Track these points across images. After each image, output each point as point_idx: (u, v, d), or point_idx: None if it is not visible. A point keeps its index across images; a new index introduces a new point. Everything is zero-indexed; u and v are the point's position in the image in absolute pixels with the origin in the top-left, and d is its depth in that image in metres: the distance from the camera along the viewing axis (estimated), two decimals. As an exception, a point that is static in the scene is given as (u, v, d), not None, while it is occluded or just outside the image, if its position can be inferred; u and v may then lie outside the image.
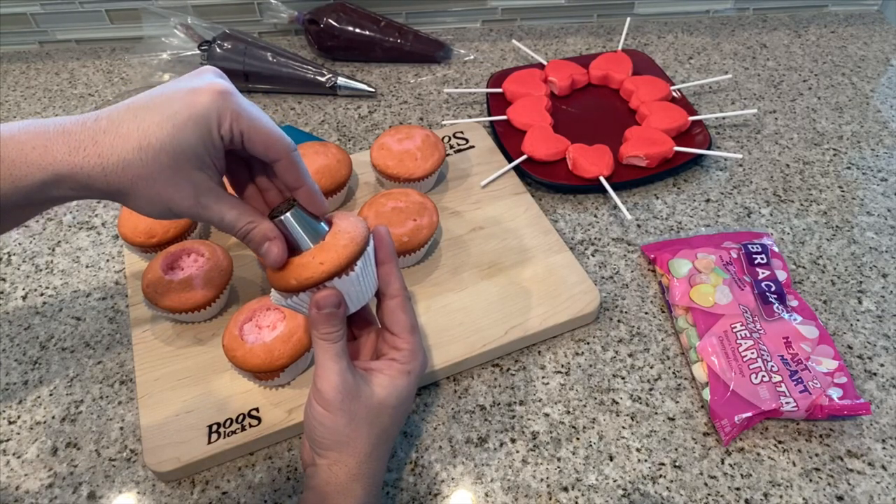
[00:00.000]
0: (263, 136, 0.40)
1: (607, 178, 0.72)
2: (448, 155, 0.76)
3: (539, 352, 0.60)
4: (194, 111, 0.38)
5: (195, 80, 0.40)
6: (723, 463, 0.52)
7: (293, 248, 0.43)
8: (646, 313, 0.63)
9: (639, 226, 0.71)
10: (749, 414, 0.52)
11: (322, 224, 0.44)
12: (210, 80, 0.39)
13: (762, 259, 0.62)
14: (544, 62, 0.87)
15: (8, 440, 0.54)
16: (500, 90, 0.83)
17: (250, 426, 0.52)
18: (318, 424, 0.42)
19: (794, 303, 0.60)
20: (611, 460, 0.53)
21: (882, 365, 0.59)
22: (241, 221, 0.42)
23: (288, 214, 0.42)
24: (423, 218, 0.61)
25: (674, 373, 0.58)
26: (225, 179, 0.44)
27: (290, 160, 0.42)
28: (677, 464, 0.52)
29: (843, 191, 0.75)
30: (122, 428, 0.55)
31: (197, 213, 0.41)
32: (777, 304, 0.59)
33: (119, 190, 0.38)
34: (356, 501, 0.42)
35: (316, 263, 0.41)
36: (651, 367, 0.59)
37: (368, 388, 0.43)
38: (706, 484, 0.51)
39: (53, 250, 0.69)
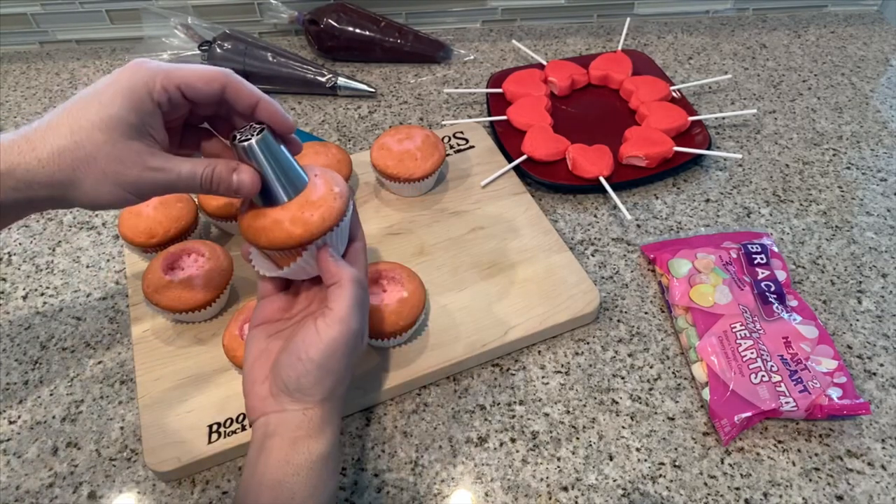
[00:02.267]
0: (199, 74, 0.41)
1: (607, 178, 0.72)
2: (448, 155, 0.76)
3: (539, 352, 0.60)
4: (119, 86, 0.39)
5: (118, 68, 0.40)
6: (722, 463, 0.52)
7: (269, 190, 0.42)
8: (645, 313, 0.63)
9: (639, 226, 0.71)
10: (749, 414, 0.52)
11: (299, 168, 0.43)
12: (132, 61, 0.40)
13: (762, 259, 0.62)
14: (544, 62, 0.87)
15: (8, 440, 0.54)
16: (500, 90, 0.83)
17: (250, 426, 0.52)
18: (314, 367, 0.42)
19: (794, 303, 0.60)
20: (610, 460, 0.53)
21: (882, 365, 0.59)
22: (199, 167, 0.41)
23: (253, 141, 0.41)
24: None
25: (673, 373, 0.58)
26: None
27: (233, 82, 0.42)
28: (677, 463, 0.52)
29: (842, 191, 0.75)
30: (122, 428, 0.55)
31: (151, 179, 0.40)
32: (777, 304, 0.59)
33: (62, 180, 0.38)
34: (327, 443, 0.43)
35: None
36: (651, 367, 0.59)
37: (362, 334, 0.46)
38: (706, 484, 0.51)
39: (54, 250, 0.69)
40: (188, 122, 0.45)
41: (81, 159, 0.38)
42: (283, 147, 0.43)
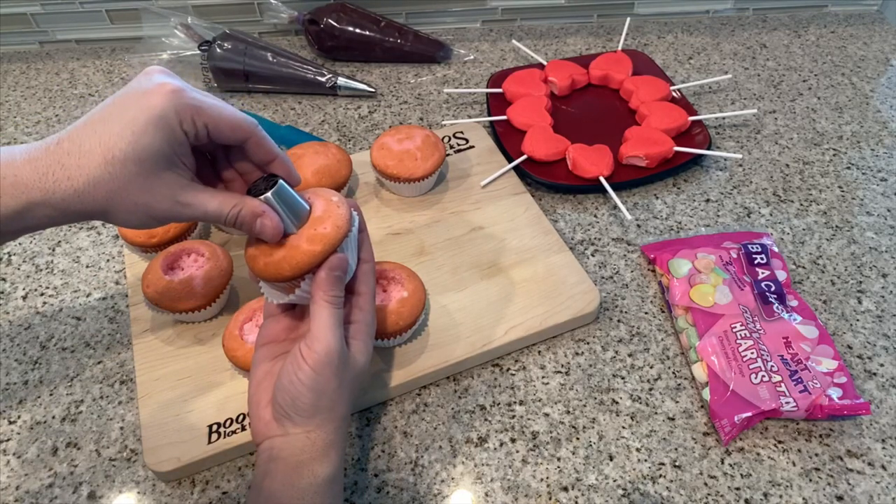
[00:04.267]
0: (228, 120, 0.41)
1: (607, 178, 0.72)
2: (448, 155, 0.76)
3: (539, 352, 0.60)
4: (151, 114, 0.38)
5: (145, 83, 0.40)
6: (723, 463, 0.52)
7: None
8: (646, 313, 0.63)
9: (639, 226, 0.71)
10: (749, 414, 0.52)
11: (302, 202, 0.44)
12: (160, 81, 0.39)
13: (762, 259, 0.62)
14: (544, 62, 0.87)
15: (8, 440, 0.54)
16: (500, 90, 0.83)
17: (250, 426, 0.52)
18: (306, 390, 0.42)
19: (794, 303, 0.60)
20: (611, 460, 0.53)
21: (882, 365, 0.59)
22: (227, 206, 0.42)
23: (269, 194, 0.43)
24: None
25: (674, 373, 0.58)
26: None
27: (258, 136, 0.43)
28: (677, 464, 0.52)
29: (842, 191, 0.75)
30: (122, 428, 0.55)
31: (179, 213, 0.41)
32: (777, 304, 0.59)
33: (95, 209, 0.39)
34: (331, 466, 0.43)
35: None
36: (651, 367, 0.59)
37: (353, 355, 0.45)
38: (706, 484, 0.51)
39: (54, 250, 0.69)
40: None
41: (116, 191, 0.38)
42: (289, 188, 0.44)
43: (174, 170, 0.40)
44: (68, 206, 0.38)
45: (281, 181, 0.44)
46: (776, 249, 0.65)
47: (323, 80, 0.85)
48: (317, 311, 0.43)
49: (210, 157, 0.46)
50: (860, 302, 0.63)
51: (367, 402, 0.55)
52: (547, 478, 0.52)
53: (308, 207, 0.45)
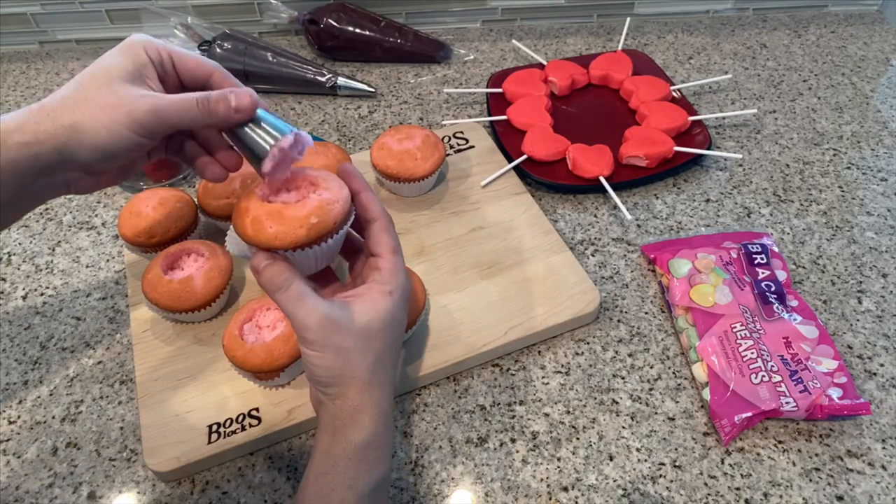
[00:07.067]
0: (192, 57, 0.44)
1: (607, 178, 0.72)
2: (448, 155, 0.76)
3: (539, 352, 0.60)
4: (120, 47, 0.42)
5: None
6: (723, 463, 0.52)
7: (258, 153, 0.42)
8: (646, 313, 0.63)
9: (639, 226, 0.71)
10: (749, 414, 0.52)
11: (283, 123, 0.43)
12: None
13: (762, 259, 0.62)
14: (544, 62, 0.87)
15: (8, 440, 0.54)
16: (500, 90, 0.83)
17: (250, 426, 0.52)
18: (311, 365, 0.42)
19: (794, 303, 0.60)
20: (611, 460, 0.53)
21: (882, 365, 0.59)
22: (193, 94, 0.42)
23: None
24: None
25: (674, 373, 0.58)
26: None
27: (220, 72, 0.44)
28: (677, 464, 0.52)
29: (843, 191, 0.75)
30: (122, 428, 0.55)
31: (145, 104, 0.40)
32: (777, 304, 0.59)
33: (64, 124, 0.40)
34: (364, 432, 0.42)
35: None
36: (651, 367, 0.59)
37: (348, 316, 0.42)
38: (706, 484, 0.51)
39: (53, 250, 0.69)
40: (168, 147, 0.47)
41: (81, 101, 0.40)
42: (260, 110, 0.43)
43: (139, 85, 0.42)
44: (39, 128, 0.39)
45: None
46: (776, 249, 0.65)
47: (323, 80, 0.85)
48: (278, 303, 0.42)
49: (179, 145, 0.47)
50: (860, 302, 0.63)
51: (367, 402, 0.55)
52: (547, 478, 0.52)
53: (292, 128, 0.43)
